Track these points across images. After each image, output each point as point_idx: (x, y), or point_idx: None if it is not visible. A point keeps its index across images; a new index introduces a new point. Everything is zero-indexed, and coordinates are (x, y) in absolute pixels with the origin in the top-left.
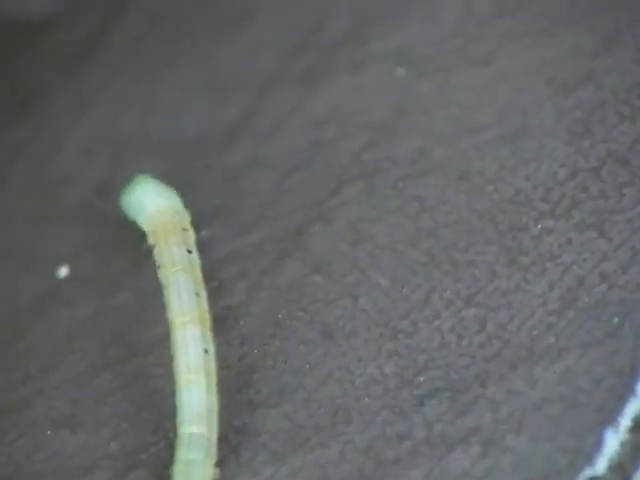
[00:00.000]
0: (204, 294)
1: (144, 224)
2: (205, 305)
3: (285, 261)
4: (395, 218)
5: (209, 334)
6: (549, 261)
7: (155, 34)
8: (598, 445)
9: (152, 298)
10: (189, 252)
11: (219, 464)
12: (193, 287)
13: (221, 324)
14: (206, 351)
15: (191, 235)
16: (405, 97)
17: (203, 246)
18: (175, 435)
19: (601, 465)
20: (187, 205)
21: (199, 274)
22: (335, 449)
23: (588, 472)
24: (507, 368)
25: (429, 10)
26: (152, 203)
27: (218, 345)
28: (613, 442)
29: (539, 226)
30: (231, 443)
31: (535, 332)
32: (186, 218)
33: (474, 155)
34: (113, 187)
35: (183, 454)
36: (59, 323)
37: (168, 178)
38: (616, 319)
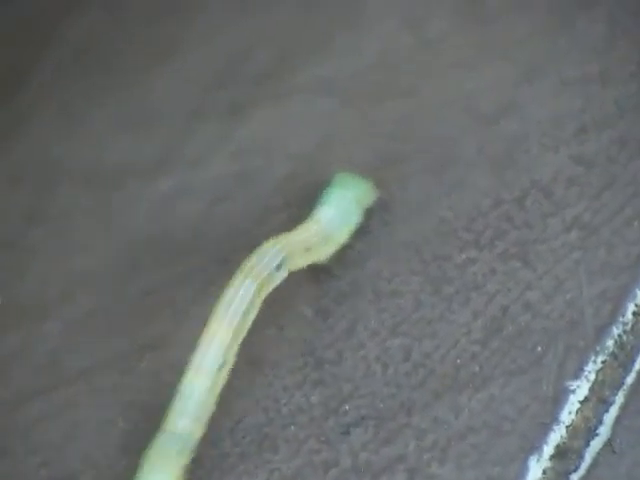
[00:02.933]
0: (253, 315)
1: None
2: (247, 325)
3: (212, 290)
4: None
5: (235, 349)
6: (473, 290)
7: (80, 65)
8: (522, 473)
9: (81, 326)
10: (277, 268)
11: None
12: (249, 303)
13: (146, 351)
14: (220, 368)
15: (312, 256)
16: (329, 128)
17: None
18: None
19: None
20: (111, 237)
21: (264, 295)
22: (262, 477)
23: None
24: (432, 397)
25: (353, 41)
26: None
27: (140, 376)
28: (536, 470)
29: (463, 256)
30: None
31: (459, 361)
32: (335, 240)
33: (398, 186)
34: (41, 216)
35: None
36: None
37: (93, 209)
38: (539, 348)
